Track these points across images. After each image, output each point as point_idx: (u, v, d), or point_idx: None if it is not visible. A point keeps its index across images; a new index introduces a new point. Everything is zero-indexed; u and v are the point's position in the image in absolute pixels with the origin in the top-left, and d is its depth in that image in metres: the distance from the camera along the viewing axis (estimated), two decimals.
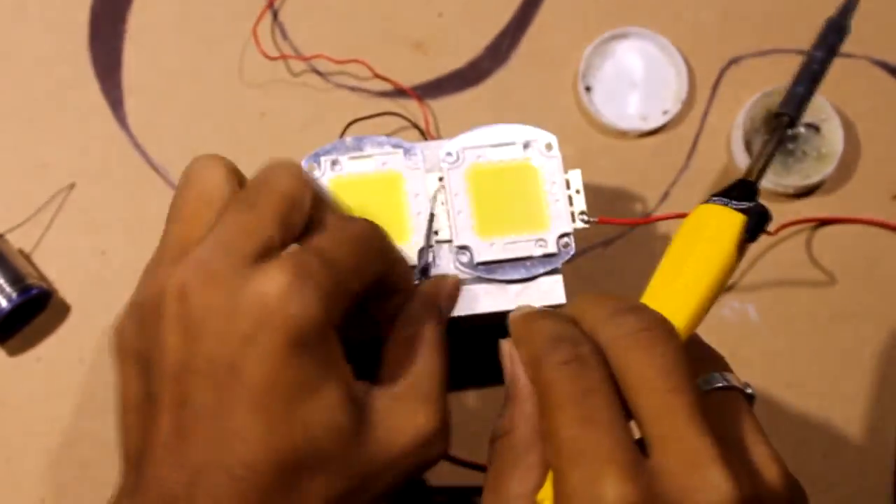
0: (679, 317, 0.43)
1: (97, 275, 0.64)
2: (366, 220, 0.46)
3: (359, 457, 0.42)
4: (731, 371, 0.46)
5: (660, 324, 0.40)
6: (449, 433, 0.46)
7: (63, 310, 0.64)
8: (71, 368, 0.63)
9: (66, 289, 0.64)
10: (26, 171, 0.66)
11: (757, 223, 0.45)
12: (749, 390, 0.46)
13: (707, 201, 0.46)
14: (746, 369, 0.64)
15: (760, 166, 0.49)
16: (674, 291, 0.44)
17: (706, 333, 0.64)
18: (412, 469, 0.44)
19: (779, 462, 0.42)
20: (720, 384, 0.44)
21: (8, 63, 0.68)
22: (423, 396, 0.45)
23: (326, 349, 0.41)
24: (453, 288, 0.52)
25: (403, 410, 0.44)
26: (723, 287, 0.45)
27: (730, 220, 0.45)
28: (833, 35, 0.52)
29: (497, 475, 0.42)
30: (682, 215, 0.51)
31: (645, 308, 0.41)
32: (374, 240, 0.46)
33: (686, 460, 0.38)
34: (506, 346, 0.45)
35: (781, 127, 0.50)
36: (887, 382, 0.65)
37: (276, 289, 0.40)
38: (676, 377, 0.39)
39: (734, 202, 0.46)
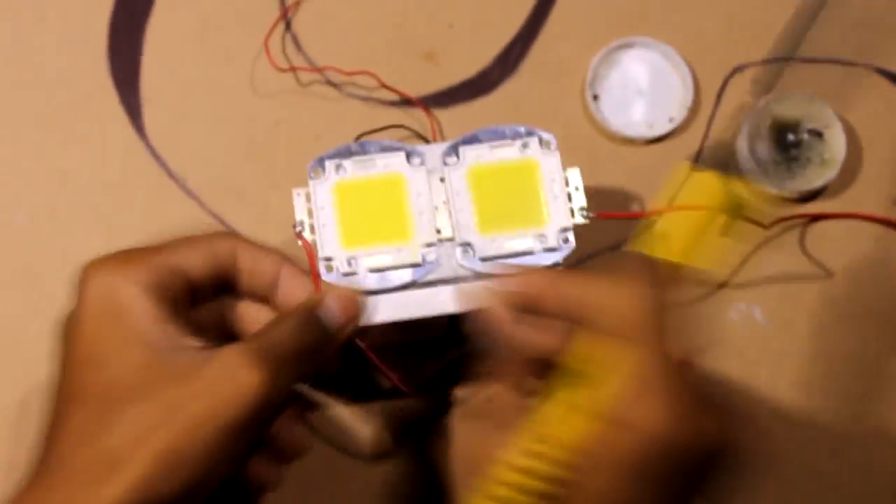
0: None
1: None
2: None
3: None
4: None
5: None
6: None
7: None
8: None
9: None
10: (48, 178, 0.67)
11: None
12: None
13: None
14: (753, 369, 0.66)
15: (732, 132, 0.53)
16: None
17: (715, 336, 0.66)
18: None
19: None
20: None
21: (29, 73, 0.69)
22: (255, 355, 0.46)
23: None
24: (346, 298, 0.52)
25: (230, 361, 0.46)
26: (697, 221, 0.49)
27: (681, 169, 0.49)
28: (812, 7, 0.57)
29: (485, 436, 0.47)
30: (679, 208, 0.53)
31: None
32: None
33: None
34: (487, 291, 0.50)
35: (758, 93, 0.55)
36: (892, 381, 0.66)
37: None
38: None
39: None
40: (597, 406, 0.44)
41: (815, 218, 0.68)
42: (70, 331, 0.47)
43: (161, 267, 0.48)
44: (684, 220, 0.48)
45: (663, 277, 0.46)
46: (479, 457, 0.45)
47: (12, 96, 0.69)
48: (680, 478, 0.45)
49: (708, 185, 0.47)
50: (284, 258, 0.52)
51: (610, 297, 0.46)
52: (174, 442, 0.44)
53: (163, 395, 0.44)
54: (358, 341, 0.54)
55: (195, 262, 0.50)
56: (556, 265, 0.55)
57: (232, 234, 0.53)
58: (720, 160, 0.48)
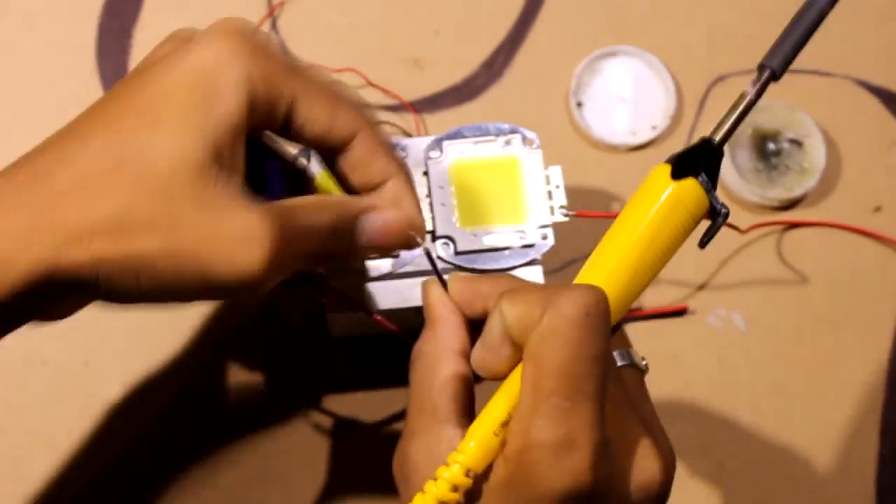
0: (629, 291, 0.44)
1: None
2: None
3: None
4: (630, 346, 0.48)
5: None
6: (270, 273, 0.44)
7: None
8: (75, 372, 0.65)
9: None
10: None
11: (688, 156, 0.45)
12: (644, 362, 0.49)
13: (676, 172, 0.45)
14: (733, 375, 0.67)
15: (729, 125, 0.46)
16: (611, 255, 0.45)
17: (694, 342, 0.67)
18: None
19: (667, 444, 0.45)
20: (624, 362, 0.48)
21: (17, 77, 0.70)
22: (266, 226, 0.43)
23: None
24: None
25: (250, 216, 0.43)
26: (662, 238, 0.45)
27: (660, 172, 0.45)
28: None
29: (417, 389, 0.45)
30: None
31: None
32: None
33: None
34: (430, 283, 0.47)
35: (762, 81, 0.46)
36: (868, 387, 0.67)
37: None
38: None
39: (702, 178, 0.44)
40: (509, 440, 0.41)
41: (792, 225, 0.70)
42: (153, 66, 0.44)
43: (276, 79, 0.44)
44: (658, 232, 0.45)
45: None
46: (409, 465, 0.44)
47: (1, 99, 0.70)
48: None
49: (690, 193, 0.44)
50: (369, 120, 0.48)
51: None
52: (152, 256, 0.42)
53: (170, 211, 0.42)
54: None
55: (307, 103, 0.46)
56: (534, 261, 0.56)
57: (366, 108, 0.49)
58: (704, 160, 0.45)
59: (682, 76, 0.72)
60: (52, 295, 0.43)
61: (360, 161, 0.47)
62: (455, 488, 0.40)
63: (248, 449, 0.64)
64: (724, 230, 0.63)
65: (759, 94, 0.46)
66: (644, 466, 0.42)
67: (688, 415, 0.66)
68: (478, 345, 0.43)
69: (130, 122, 0.42)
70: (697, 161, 0.44)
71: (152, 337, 0.65)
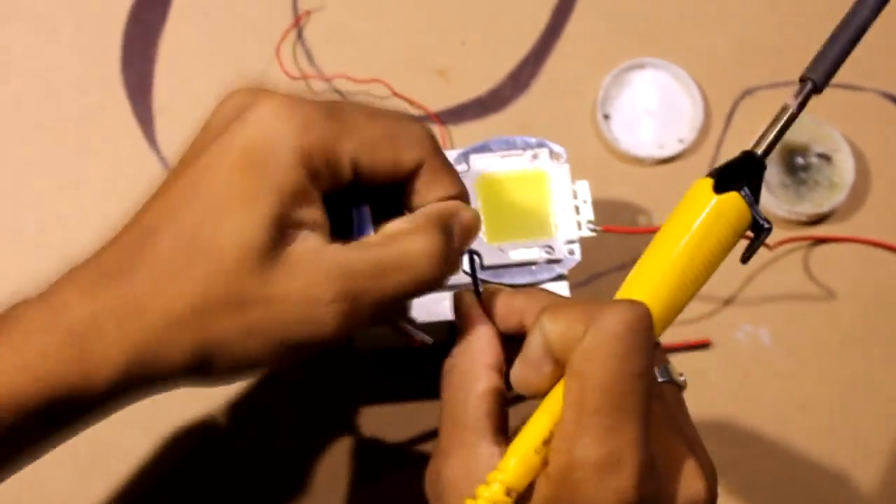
0: (671, 306, 0.44)
1: None
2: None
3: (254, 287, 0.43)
4: (668, 362, 0.48)
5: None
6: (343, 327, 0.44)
7: None
8: None
9: None
10: (59, 188, 0.68)
11: (730, 169, 0.45)
12: (682, 378, 0.48)
13: (718, 185, 0.44)
14: (759, 391, 0.66)
15: (771, 139, 0.46)
16: (654, 269, 0.44)
17: (720, 358, 0.66)
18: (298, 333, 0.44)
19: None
20: (663, 378, 0.47)
21: (43, 84, 0.70)
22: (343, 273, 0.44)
23: (287, 177, 0.43)
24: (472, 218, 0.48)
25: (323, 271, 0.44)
26: (705, 252, 0.44)
27: (703, 186, 0.44)
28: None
29: (450, 405, 0.44)
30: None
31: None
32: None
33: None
34: (464, 294, 0.48)
35: (805, 94, 0.46)
36: None
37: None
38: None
39: (744, 192, 0.44)
40: (552, 458, 0.41)
41: (820, 241, 0.69)
42: (208, 148, 0.45)
43: (331, 144, 0.45)
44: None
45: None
46: (442, 484, 0.44)
47: (25, 106, 0.70)
48: None
49: (732, 207, 0.43)
50: (431, 145, 0.48)
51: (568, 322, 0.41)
52: (232, 338, 0.43)
53: (241, 294, 0.43)
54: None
55: (370, 155, 0.46)
56: (561, 277, 0.56)
57: (426, 133, 0.48)
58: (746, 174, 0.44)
59: (709, 89, 0.72)
60: (140, 388, 0.45)
61: (424, 184, 0.47)
62: None
63: (272, 464, 0.64)
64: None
65: (801, 107, 0.46)
66: (689, 485, 0.42)
67: (713, 430, 0.66)
68: (518, 362, 0.43)
69: (194, 214, 0.44)
70: (740, 175, 0.44)
71: None
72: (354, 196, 0.48)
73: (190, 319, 0.43)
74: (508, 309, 0.46)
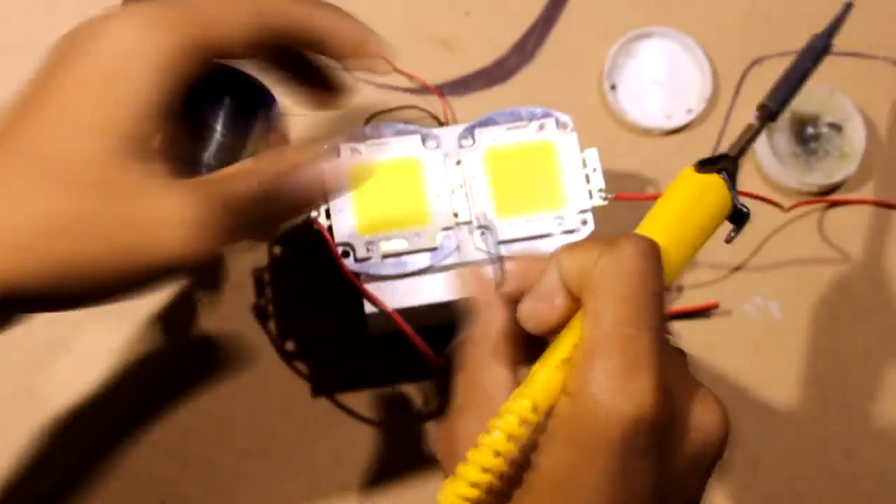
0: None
1: None
2: None
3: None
4: (672, 333, 0.48)
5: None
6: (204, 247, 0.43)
7: None
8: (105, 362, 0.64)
9: None
10: None
11: (711, 159, 0.47)
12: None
13: (700, 168, 0.47)
14: (769, 365, 0.66)
15: (742, 145, 0.51)
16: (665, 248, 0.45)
17: (730, 332, 0.66)
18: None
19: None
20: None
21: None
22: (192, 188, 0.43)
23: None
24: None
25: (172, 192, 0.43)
26: (690, 228, 0.46)
27: (685, 172, 0.47)
28: (816, 52, 0.56)
29: (467, 371, 0.44)
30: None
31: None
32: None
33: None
34: (470, 270, 0.48)
35: (763, 118, 0.53)
36: None
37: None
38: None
39: (724, 175, 0.47)
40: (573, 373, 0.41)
41: (834, 204, 0.69)
42: (61, 59, 0.45)
43: (192, 37, 0.43)
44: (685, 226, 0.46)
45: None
46: (457, 440, 0.43)
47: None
48: (661, 474, 0.40)
49: (713, 186, 0.46)
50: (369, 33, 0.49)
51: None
52: (79, 255, 0.42)
53: (92, 210, 0.42)
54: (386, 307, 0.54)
55: (234, 30, 0.45)
56: None
57: None
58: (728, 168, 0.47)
59: (718, 58, 0.71)
60: None
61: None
62: (523, 422, 0.40)
63: (274, 439, 0.63)
64: (765, 211, 0.63)
65: (761, 128, 0.52)
66: (706, 411, 0.42)
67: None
68: (529, 297, 0.43)
69: (38, 126, 0.43)
70: (718, 162, 0.47)
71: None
72: (218, 88, 0.47)
73: (37, 237, 0.41)
74: (531, 269, 0.45)
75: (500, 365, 0.44)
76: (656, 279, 0.41)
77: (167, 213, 0.42)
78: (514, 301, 0.45)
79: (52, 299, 0.43)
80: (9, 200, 0.41)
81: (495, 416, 0.40)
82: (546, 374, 0.41)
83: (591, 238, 0.43)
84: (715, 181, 0.46)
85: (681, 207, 0.46)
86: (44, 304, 0.44)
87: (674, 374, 0.42)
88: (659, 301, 0.41)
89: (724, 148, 0.69)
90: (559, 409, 0.40)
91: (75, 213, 0.41)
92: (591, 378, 0.39)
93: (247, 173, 0.45)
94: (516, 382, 0.43)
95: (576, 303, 0.42)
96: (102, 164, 0.42)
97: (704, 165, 0.47)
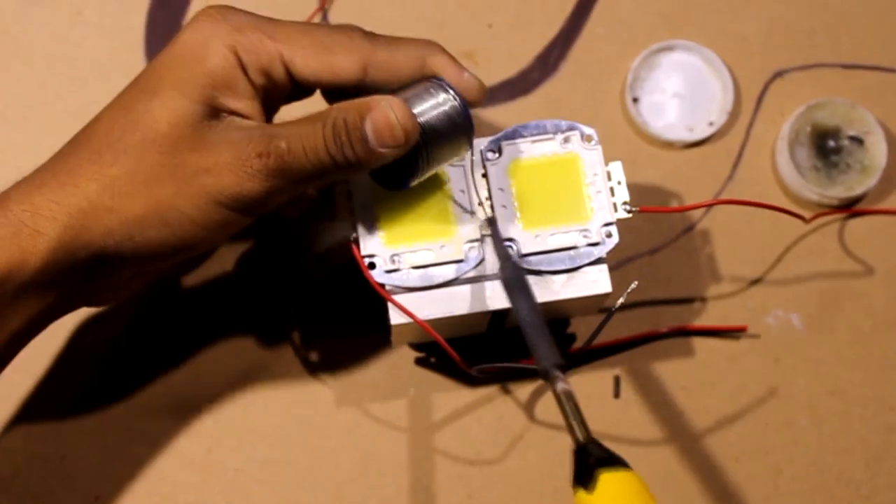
0: None
1: None
2: None
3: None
4: None
5: None
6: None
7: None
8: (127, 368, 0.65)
9: None
10: None
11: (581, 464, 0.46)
12: None
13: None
14: (790, 377, 0.66)
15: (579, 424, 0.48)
16: None
17: (752, 342, 0.66)
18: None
19: None
20: None
21: (65, 67, 0.70)
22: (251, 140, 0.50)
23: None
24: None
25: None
26: None
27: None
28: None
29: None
30: (722, 202, 0.62)
31: None
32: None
33: None
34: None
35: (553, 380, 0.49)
36: None
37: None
38: None
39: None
40: None
41: (855, 214, 0.69)
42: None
43: (263, 44, 0.52)
44: None
45: None
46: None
47: (48, 90, 0.70)
48: None
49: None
50: (429, 46, 0.55)
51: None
52: (169, 200, 0.50)
53: (176, 160, 0.50)
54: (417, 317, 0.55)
55: (302, 58, 0.52)
56: (600, 260, 0.56)
57: (362, 35, 0.55)
58: None
59: (739, 71, 0.71)
60: (85, 262, 0.50)
61: (387, 71, 0.53)
62: None
63: (298, 448, 0.65)
64: (785, 223, 0.65)
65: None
66: None
67: (744, 417, 0.66)
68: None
69: (130, 96, 0.51)
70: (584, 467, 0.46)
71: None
72: None
73: (124, 184, 0.49)
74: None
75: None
76: None
77: (234, 157, 0.49)
78: None
79: (147, 244, 0.50)
80: (107, 160, 0.49)
81: None
82: None
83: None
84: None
85: None
86: (141, 251, 0.50)
87: None
88: None
89: (746, 160, 0.70)
90: None
91: (163, 165, 0.49)
92: None
93: (313, 118, 0.51)
94: None
95: None
96: (185, 125, 0.50)
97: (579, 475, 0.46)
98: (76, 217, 0.49)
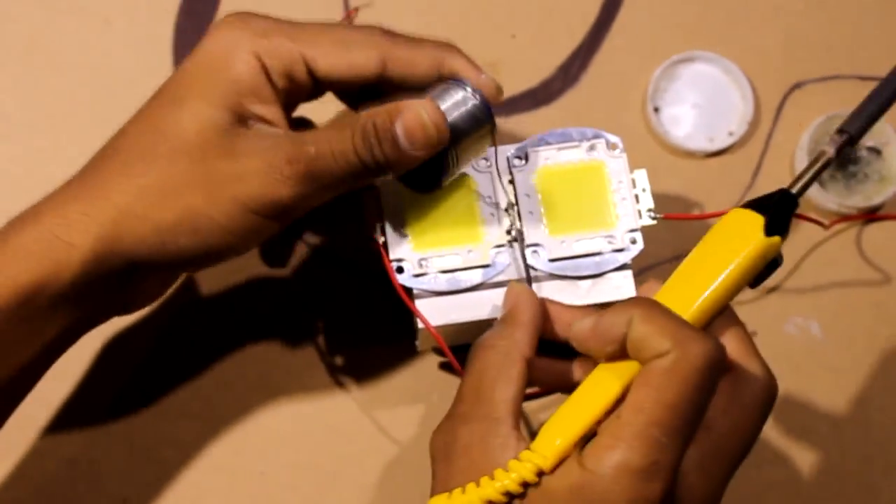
0: (690, 311, 0.48)
1: None
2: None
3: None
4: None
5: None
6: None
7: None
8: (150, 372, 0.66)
9: None
10: None
11: (779, 213, 0.49)
12: None
13: (770, 229, 0.49)
14: (810, 384, 0.67)
15: (807, 179, 0.51)
16: (692, 287, 0.49)
17: (771, 351, 0.67)
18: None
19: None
20: None
21: (93, 76, 0.71)
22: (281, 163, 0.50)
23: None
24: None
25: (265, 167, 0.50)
26: (741, 283, 0.49)
27: (750, 222, 0.49)
28: None
29: (481, 378, 0.48)
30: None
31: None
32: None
33: None
34: (520, 285, 0.53)
35: (841, 143, 0.52)
36: None
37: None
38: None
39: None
40: (595, 448, 0.45)
41: (873, 220, 0.70)
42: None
43: (285, 47, 0.52)
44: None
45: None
46: (456, 446, 0.48)
47: (79, 100, 0.71)
48: None
49: (774, 248, 0.49)
50: (447, 48, 0.56)
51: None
52: (200, 207, 0.50)
53: (206, 168, 0.50)
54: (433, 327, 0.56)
55: (323, 57, 0.53)
56: (625, 266, 0.57)
57: (382, 33, 0.55)
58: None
59: (759, 82, 0.72)
60: (118, 272, 0.50)
61: (405, 67, 0.54)
62: (523, 483, 0.44)
63: (323, 453, 0.65)
64: (804, 230, 0.67)
65: (837, 154, 0.51)
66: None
67: (764, 425, 0.66)
68: (588, 325, 0.47)
69: (156, 107, 0.52)
70: (786, 217, 0.49)
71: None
72: None
73: (155, 193, 0.50)
74: (558, 319, 0.52)
75: (513, 384, 0.48)
76: (709, 394, 0.45)
77: (264, 164, 0.50)
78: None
79: (178, 251, 0.50)
80: (137, 170, 0.50)
81: (500, 468, 0.44)
82: (562, 447, 0.44)
83: (668, 316, 0.46)
84: (777, 244, 0.48)
85: (738, 272, 0.48)
86: (172, 258, 0.51)
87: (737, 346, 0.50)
88: (702, 412, 0.44)
89: (766, 169, 0.70)
90: (568, 476, 0.44)
91: (193, 173, 0.50)
92: (608, 467, 0.43)
93: (340, 123, 0.51)
94: (520, 404, 0.48)
95: (622, 356, 0.46)
96: (214, 133, 0.50)
97: (774, 220, 0.48)
98: (108, 228, 0.49)
